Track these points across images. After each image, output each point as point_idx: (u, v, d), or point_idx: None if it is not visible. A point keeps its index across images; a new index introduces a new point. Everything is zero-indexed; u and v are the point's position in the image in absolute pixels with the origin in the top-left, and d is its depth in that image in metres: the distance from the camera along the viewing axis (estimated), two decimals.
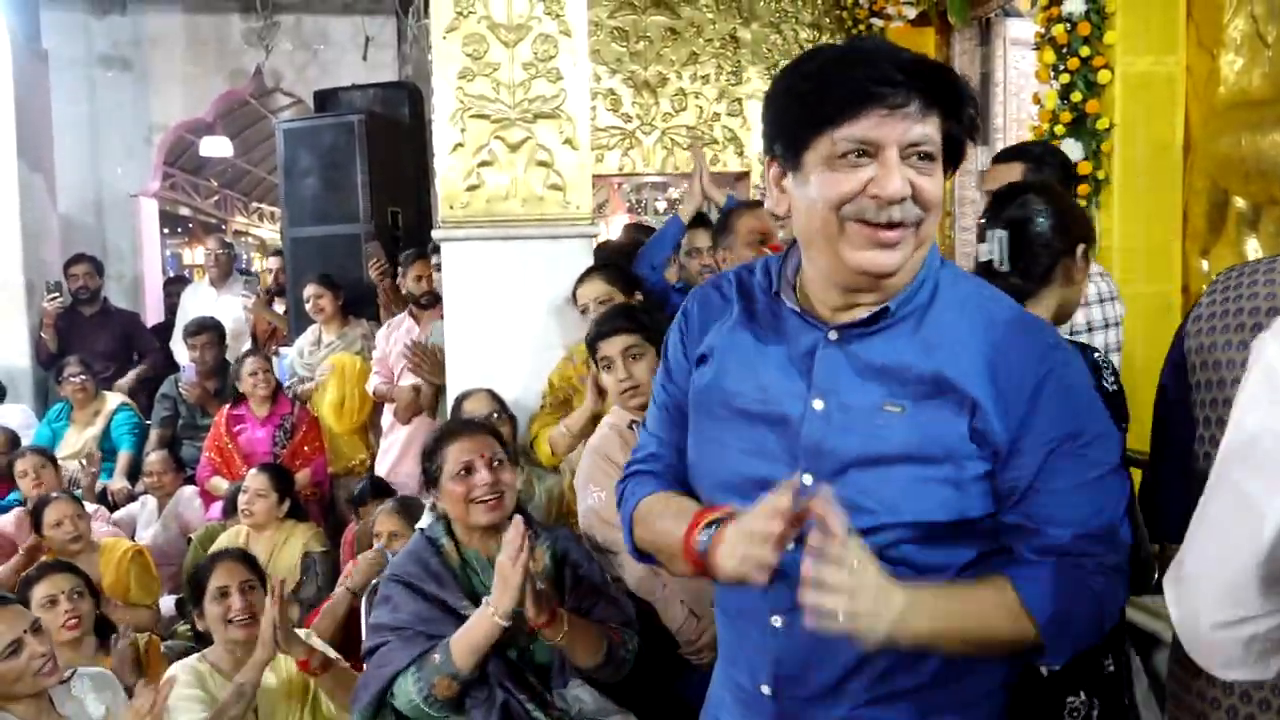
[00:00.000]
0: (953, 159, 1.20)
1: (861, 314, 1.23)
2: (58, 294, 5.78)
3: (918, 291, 1.23)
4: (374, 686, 2.15)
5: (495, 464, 2.30)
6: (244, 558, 2.79)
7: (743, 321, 1.33)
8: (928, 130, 1.15)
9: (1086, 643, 1.20)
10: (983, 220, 1.97)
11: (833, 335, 1.24)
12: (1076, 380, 1.22)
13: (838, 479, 1.18)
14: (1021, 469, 1.17)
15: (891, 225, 1.16)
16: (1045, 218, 1.90)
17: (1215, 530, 0.98)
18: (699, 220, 3.73)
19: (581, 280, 3.23)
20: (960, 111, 1.18)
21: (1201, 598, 0.98)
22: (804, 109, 1.18)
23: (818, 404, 1.22)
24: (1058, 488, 1.18)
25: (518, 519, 2.12)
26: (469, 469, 2.27)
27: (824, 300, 1.26)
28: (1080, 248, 1.90)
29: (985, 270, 1.89)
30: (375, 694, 2.15)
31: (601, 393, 2.85)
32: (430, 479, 2.35)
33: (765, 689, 1.28)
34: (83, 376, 5.07)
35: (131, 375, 5.78)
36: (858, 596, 1.07)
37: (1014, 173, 2.70)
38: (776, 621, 1.25)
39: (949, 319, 1.23)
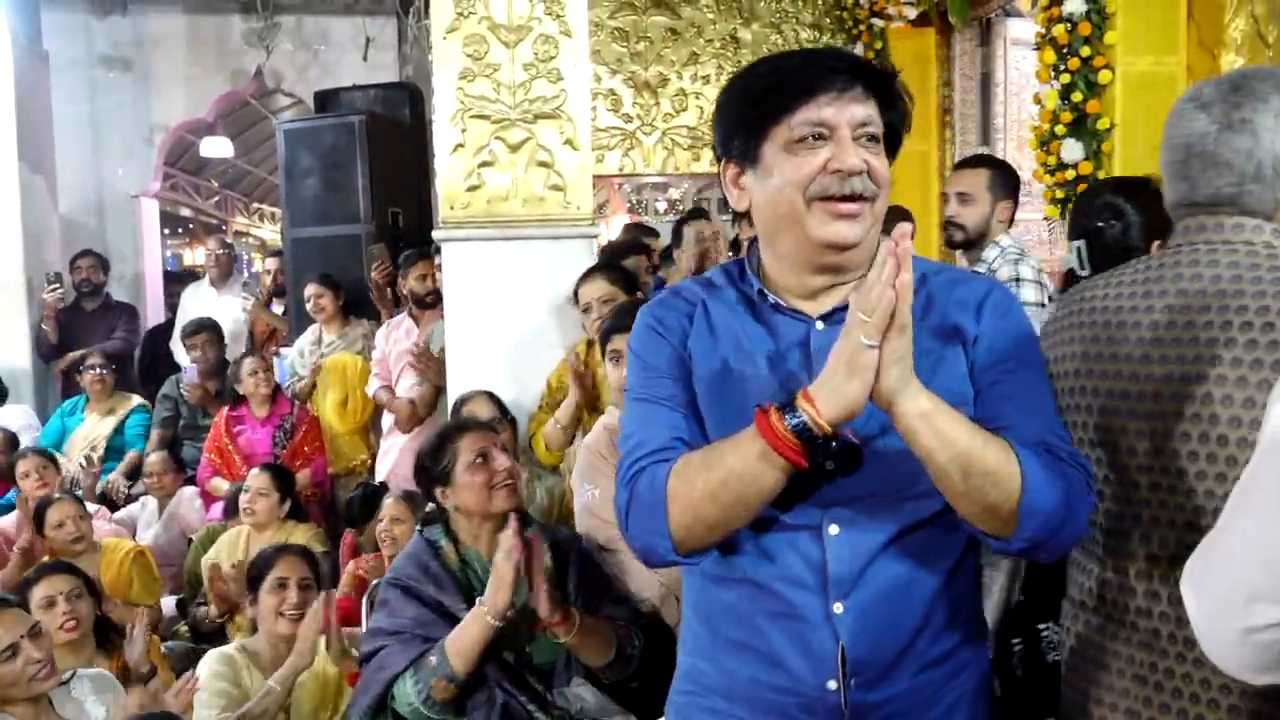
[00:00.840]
0: (891, 147, 1.31)
1: (839, 296, 1.30)
2: (57, 285, 5.80)
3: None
4: (373, 690, 2.15)
5: (506, 451, 2.35)
6: (306, 554, 2.84)
7: (721, 322, 1.36)
8: (870, 112, 1.27)
9: (1048, 531, 1.20)
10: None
11: (819, 325, 1.31)
12: (1013, 305, 1.35)
13: (861, 455, 1.26)
14: (981, 377, 1.28)
15: (852, 197, 1.25)
16: (1118, 221, 1.99)
17: (1250, 536, 0.96)
18: (699, 213, 3.84)
19: (583, 279, 3.23)
20: (896, 102, 1.30)
21: (1231, 604, 0.97)
22: (761, 103, 1.28)
23: None
24: (1016, 393, 1.27)
25: (512, 517, 2.13)
26: (485, 456, 2.30)
27: (793, 290, 1.33)
28: (1155, 244, 1.95)
29: (1070, 278, 1.95)
30: (374, 698, 2.15)
31: (582, 381, 2.85)
32: (438, 477, 2.34)
33: (832, 684, 1.26)
34: (102, 369, 5.11)
35: (97, 350, 5.77)
36: (894, 339, 1.11)
37: (981, 177, 3.14)
38: (839, 608, 1.25)
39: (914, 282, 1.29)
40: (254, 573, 2.74)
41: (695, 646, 1.41)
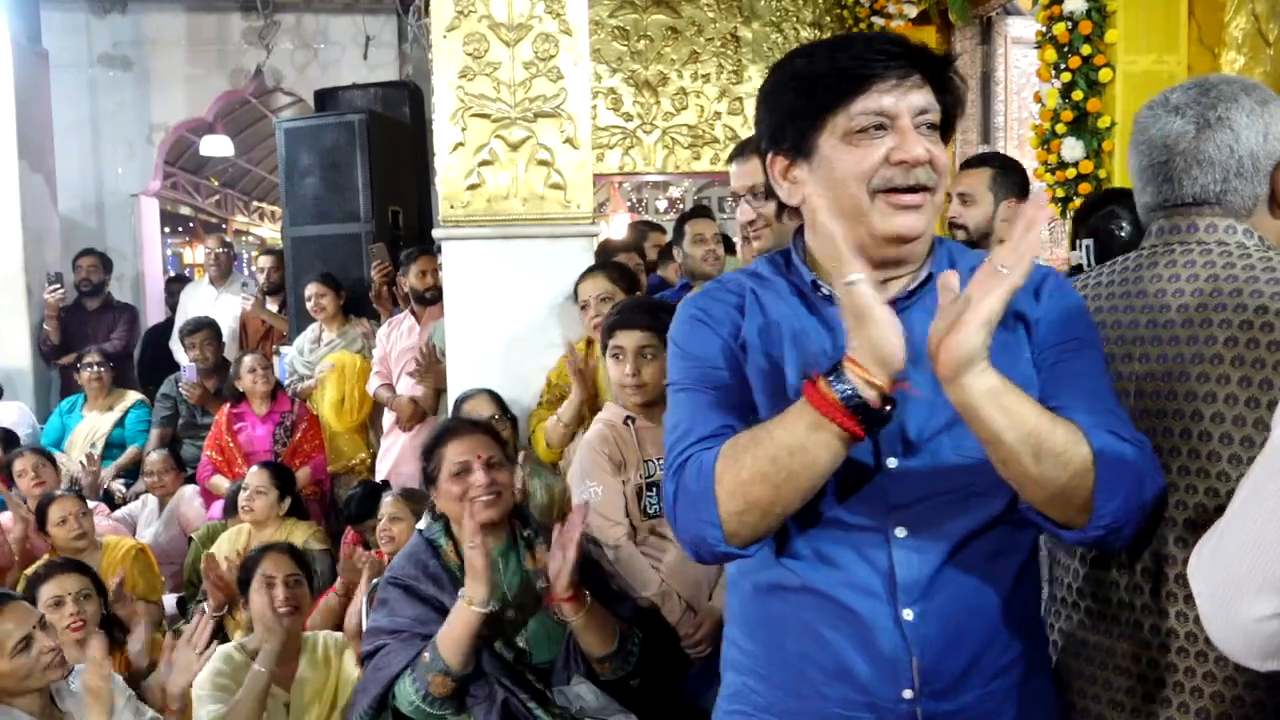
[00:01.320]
0: (945, 129, 1.27)
1: (898, 288, 1.26)
2: (58, 285, 5.81)
3: (943, 257, 1.30)
4: (373, 690, 2.15)
5: (492, 464, 2.30)
6: (291, 551, 2.84)
7: (776, 312, 1.30)
8: (929, 99, 1.22)
9: (1124, 515, 1.15)
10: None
11: None
12: (1070, 287, 1.32)
13: (925, 452, 1.22)
14: (1041, 358, 1.25)
15: (915, 189, 1.20)
16: (1127, 224, 2.00)
17: (1266, 523, 0.96)
18: (701, 211, 3.81)
19: (584, 277, 3.23)
20: (952, 87, 1.25)
21: (1244, 591, 0.97)
22: (814, 93, 1.22)
23: None
24: (1077, 372, 1.23)
25: (467, 512, 2.13)
26: (465, 469, 2.27)
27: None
28: None
29: (1076, 273, 1.97)
30: (375, 697, 2.15)
31: (583, 378, 2.85)
32: (429, 478, 2.36)
33: (908, 693, 1.21)
34: (100, 367, 5.11)
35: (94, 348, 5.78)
36: (997, 296, 1.06)
37: (983, 177, 3.08)
38: (909, 614, 1.20)
39: (965, 274, 1.24)
40: (243, 575, 2.74)
41: (744, 664, 1.34)
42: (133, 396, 5.27)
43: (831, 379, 1.09)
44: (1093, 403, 1.20)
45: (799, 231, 1.35)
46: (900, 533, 1.21)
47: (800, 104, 1.24)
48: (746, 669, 1.33)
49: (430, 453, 2.36)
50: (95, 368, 5.10)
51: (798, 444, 1.12)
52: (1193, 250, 1.37)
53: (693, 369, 1.31)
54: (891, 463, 1.22)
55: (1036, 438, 1.10)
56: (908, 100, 1.20)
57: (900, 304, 1.24)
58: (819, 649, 1.24)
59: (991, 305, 1.06)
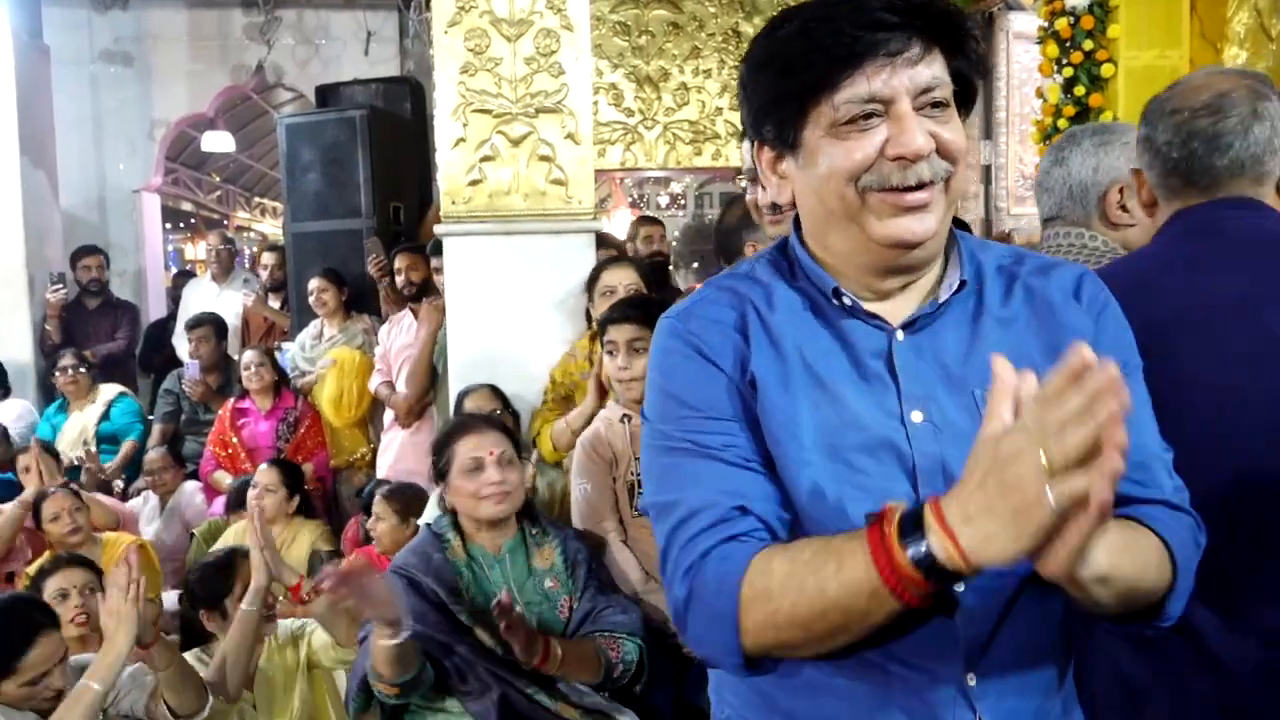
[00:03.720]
0: (964, 101, 1.05)
1: (918, 298, 1.08)
2: (61, 285, 5.80)
3: (965, 257, 1.10)
4: (359, 674, 2.19)
5: (504, 461, 2.32)
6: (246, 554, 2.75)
7: (782, 333, 1.08)
8: (935, 72, 1.00)
9: (1186, 603, 1.01)
10: None
11: (900, 335, 1.06)
12: (1107, 292, 1.13)
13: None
14: None
15: (920, 186, 1.00)
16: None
17: None
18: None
19: (608, 266, 3.25)
20: (964, 45, 1.03)
21: None
22: (792, 77, 1.02)
23: (916, 416, 1.03)
24: (1134, 405, 0.92)
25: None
26: (478, 466, 2.29)
27: (857, 290, 1.08)
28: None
29: None
30: (361, 680, 2.18)
31: (603, 391, 2.87)
32: (439, 473, 2.37)
33: None
34: (75, 369, 5.03)
35: (102, 351, 5.79)
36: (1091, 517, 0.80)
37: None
38: (971, 679, 1.01)
39: (992, 276, 1.11)
40: (209, 589, 2.70)
41: None
42: (112, 390, 5.20)
43: (906, 539, 0.85)
44: (1144, 441, 1.03)
45: (796, 222, 1.14)
46: (959, 585, 0.94)
47: (778, 89, 1.03)
48: None
49: (442, 448, 2.37)
50: (70, 371, 5.02)
51: (854, 606, 0.90)
52: (1061, 248, 1.84)
53: (688, 421, 1.05)
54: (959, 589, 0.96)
55: (1131, 589, 0.94)
56: (906, 79, 0.98)
57: (922, 322, 1.07)
58: None
59: (1084, 526, 0.79)
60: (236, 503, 3.95)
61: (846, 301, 1.07)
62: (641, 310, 2.65)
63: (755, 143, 1.12)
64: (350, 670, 2.40)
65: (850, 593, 0.89)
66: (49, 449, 4.29)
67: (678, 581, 1.00)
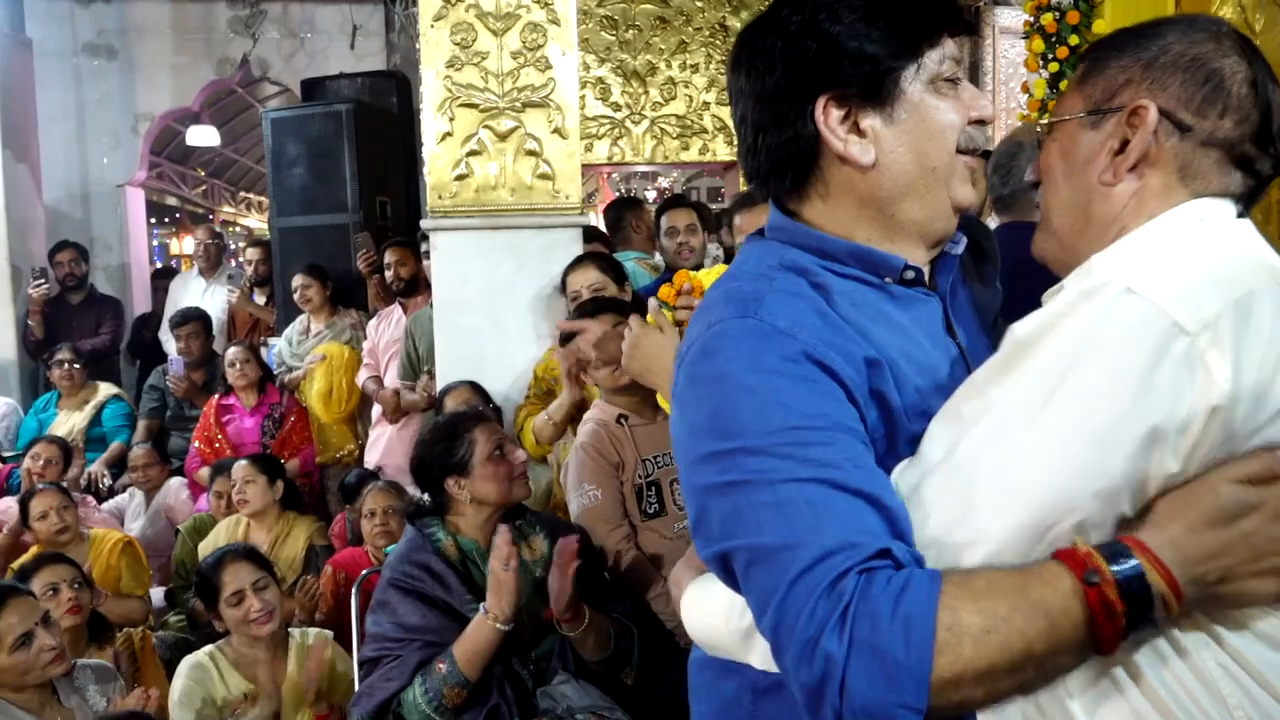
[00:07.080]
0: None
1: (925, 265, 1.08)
2: (43, 280, 5.76)
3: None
4: (379, 696, 2.14)
5: (515, 441, 2.43)
6: (250, 555, 2.74)
7: (873, 335, 0.99)
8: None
9: None
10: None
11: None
12: None
13: None
14: None
15: (986, 153, 1.02)
16: None
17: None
18: (675, 201, 3.86)
19: (573, 268, 3.23)
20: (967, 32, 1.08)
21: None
22: (905, 23, 0.98)
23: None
24: None
25: (503, 527, 2.14)
26: (502, 449, 2.33)
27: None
28: None
29: None
30: (379, 703, 2.14)
31: (575, 380, 2.86)
32: (453, 467, 2.31)
33: None
34: (71, 364, 5.04)
35: (86, 347, 5.76)
36: None
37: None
38: None
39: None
40: (204, 590, 2.64)
41: None
42: (106, 390, 5.20)
43: (1124, 590, 0.80)
44: None
45: (789, 213, 1.08)
46: None
47: (886, 32, 0.97)
48: None
49: (454, 442, 2.33)
50: (66, 365, 5.01)
51: (1053, 664, 0.83)
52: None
53: (790, 437, 0.89)
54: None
55: None
56: (962, 51, 1.02)
57: (949, 279, 1.09)
58: None
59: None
60: (216, 470, 4.00)
61: (910, 275, 1.03)
62: (611, 305, 2.68)
63: (813, 101, 1.00)
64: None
65: (1058, 653, 0.81)
66: (64, 447, 4.32)
67: (826, 634, 0.82)
